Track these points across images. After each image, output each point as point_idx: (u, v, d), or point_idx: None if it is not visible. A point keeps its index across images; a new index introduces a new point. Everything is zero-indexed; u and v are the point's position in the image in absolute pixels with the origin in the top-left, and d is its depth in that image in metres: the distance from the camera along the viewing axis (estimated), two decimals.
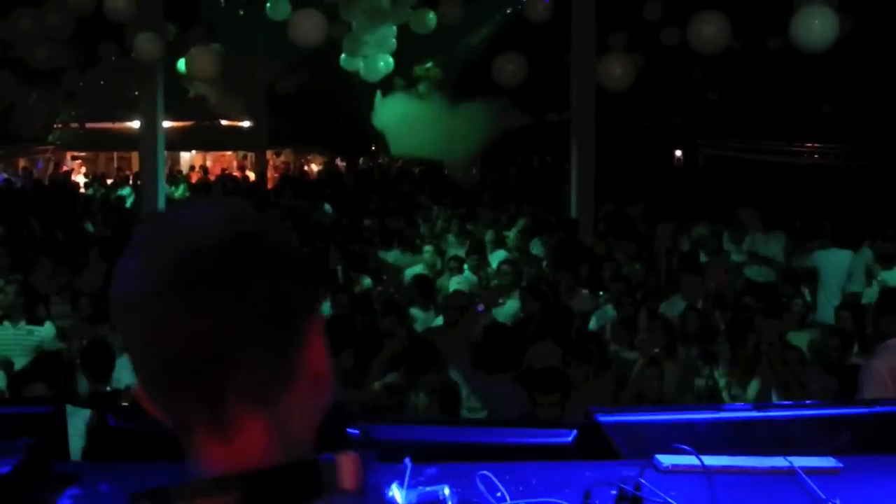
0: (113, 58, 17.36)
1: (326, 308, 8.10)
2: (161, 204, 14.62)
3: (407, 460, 2.60)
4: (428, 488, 2.44)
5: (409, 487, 2.45)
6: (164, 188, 15.60)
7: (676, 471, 2.58)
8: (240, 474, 1.00)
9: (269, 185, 23.16)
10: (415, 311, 8.61)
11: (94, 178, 23.24)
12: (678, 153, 26.47)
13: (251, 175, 25.74)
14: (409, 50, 14.94)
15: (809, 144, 19.67)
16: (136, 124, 17.61)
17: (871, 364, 5.45)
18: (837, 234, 10.37)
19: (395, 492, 2.41)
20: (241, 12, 17.40)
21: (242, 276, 0.99)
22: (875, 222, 11.57)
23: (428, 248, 11.27)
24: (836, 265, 9.69)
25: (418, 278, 9.46)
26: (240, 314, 0.99)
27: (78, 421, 3.03)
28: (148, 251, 1.01)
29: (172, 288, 0.98)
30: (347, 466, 1.01)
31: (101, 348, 6.18)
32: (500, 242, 12.08)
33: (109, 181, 22.76)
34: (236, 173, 26.45)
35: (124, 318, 1.02)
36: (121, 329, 1.04)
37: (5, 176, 22.56)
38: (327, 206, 15.94)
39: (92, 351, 6.18)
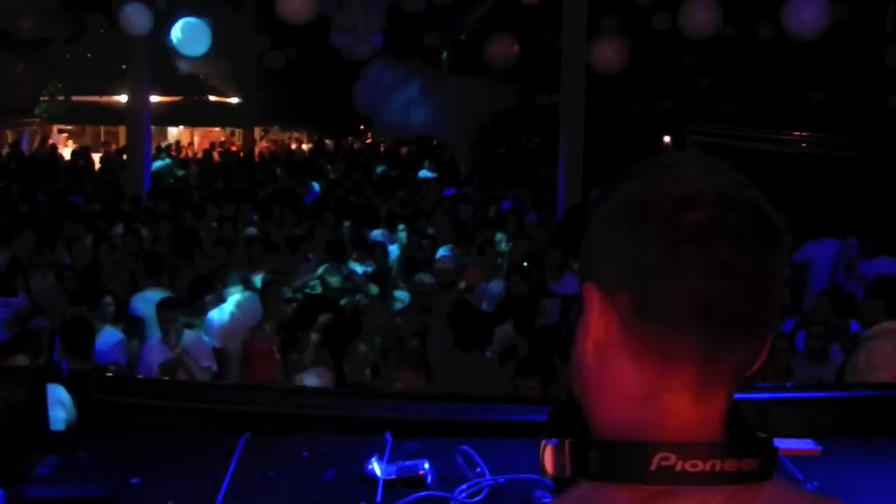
0: (101, 30, 17.20)
1: (317, 286, 8.10)
2: (148, 179, 14.54)
3: (387, 435, 2.60)
4: (408, 462, 2.44)
5: (388, 462, 2.45)
6: (150, 163, 15.52)
7: None
8: (754, 441, 1.02)
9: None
10: (399, 293, 8.61)
11: (81, 151, 23.06)
12: (667, 139, 26.46)
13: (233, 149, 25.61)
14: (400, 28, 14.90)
15: (797, 133, 19.68)
16: (123, 98, 17.50)
17: (877, 346, 5.56)
18: (824, 224, 10.43)
19: (375, 465, 2.41)
20: None
21: (780, 256, 1.03)
22: (863, 212, 11.62)
23: (401, 225, 11.29)
24: (824, 255, 9.76)
25: (403, 258, 9.45)
26: (778, 286, 1.04)
27: (58, 395, 3.02)
28: (713, 187, 1.02)
29: (741, 239, 1.00)
30: None
31: (82, 325, 6.13)
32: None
33: (96, 155, 22.63)
34: (233, 148, 26.25)
35: (652, 235, 1.00)
36: (622, 243, 1.02)
37: None
38: (316, 186, 15.88)
39: (72, 327, 6.09)
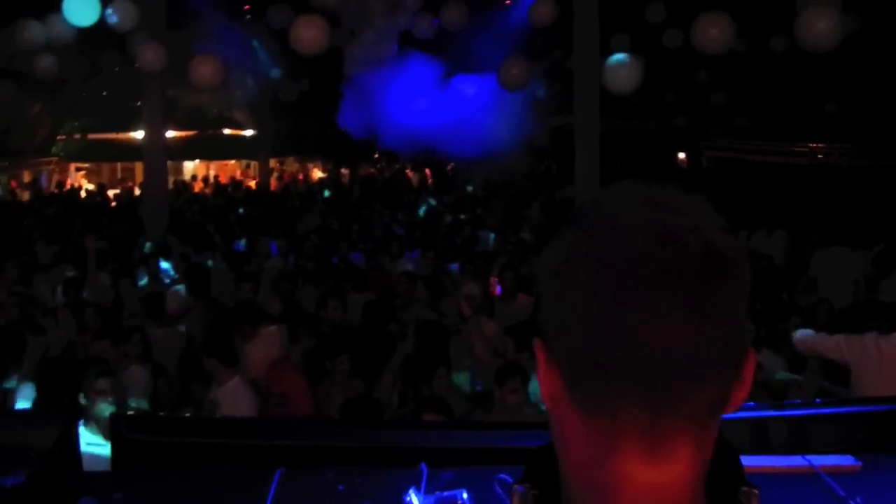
0: (116, 68, 17.37)
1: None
2: (166, 214, 14.60)
3: (422, 465, 2.58)
4: (445, 493, 2.41)
5: (426, 493, 2.43)
6: (168, 197, 15.59)
7: None
8: None
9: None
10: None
11: (98, 189, 23.25)
12: (681, 155, 26.44)
13: (252, 184, 25.76)
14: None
15: (813, 144, 19.62)
16: (139, 134, 17.63)
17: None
18: (840, 235, 10.43)
19: (413, 497, 2.39)
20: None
21: (730, 288, 0.93)
22: (881, 223, 11.56)
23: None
24: (836, 266, 9.75)
25: (428, 280, 9.45)
26: (718, 325, 0.92)
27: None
28: (642, 225, 0.94)
29: (669, 282, 0.91)
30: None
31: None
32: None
33: (112, 192, 22.80)
34: (250, 183, 26.40)
35: (576, 291, 0.94)
36: (554, 300, 0.97)
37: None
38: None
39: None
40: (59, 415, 3.13)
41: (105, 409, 4.92)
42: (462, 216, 16.49)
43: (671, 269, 0.91)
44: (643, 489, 0.94)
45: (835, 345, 6.33)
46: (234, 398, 5.97)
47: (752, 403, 4.92)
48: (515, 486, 1.01)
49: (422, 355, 6.74)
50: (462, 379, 7.10)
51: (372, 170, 30.14)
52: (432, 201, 18.94)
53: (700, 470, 0.96)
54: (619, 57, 11.50)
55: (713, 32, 10.18)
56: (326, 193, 22.51)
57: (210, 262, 11.05)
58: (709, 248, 0.93)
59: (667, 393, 0.92)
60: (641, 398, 0.92)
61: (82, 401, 5.20)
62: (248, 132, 26.41)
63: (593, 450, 0.96)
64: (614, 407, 0.93)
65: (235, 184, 25.24)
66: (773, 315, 7.94)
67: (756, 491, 0.99)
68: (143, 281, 10.35)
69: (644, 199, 0.98)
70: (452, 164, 24.15)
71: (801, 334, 6.67)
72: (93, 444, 4.61)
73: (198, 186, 25.27)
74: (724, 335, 0.93)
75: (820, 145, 19.44)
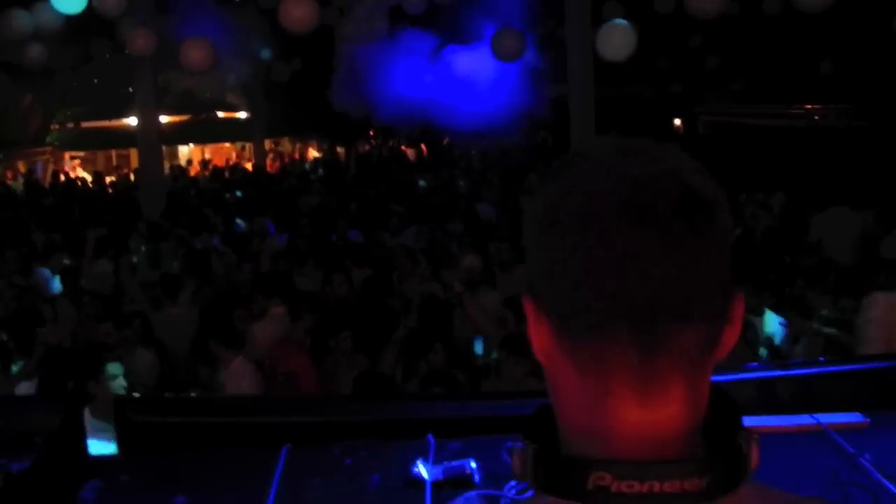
0: (107, 55, 17.28)
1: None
2: (163, 200, 14.55)
3: (429, 436, 2.57)
4: (454, 463, 2.41)
5: (433, 463, 2.42)
6: (165, 183, 15.55)
7: None
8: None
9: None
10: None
11: (95, 177, 23.18)
12: (677, 121, 26.36)
13: (248, 166, 25.69)
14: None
15: (809, 106, 19.57)
16: (132, 121, 17.55)
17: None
18: (839, 196, 10.42)
19: (421, 468, 2.38)
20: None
21: (710, 229, 0.94)
22: (879, 182, 11.54)
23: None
24: (837, 226, 9.73)
25: (427, 253, 9.45)
26: (705, 266, 0.93)
27: None
28: (620, 171, 0.95)
29: (649, 221, 0.92)
30: (755, 447, 0.98)
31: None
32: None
33: (109, 179, 22.72)
34: (246, 165, 26.32)
35: (559, 240, 0.95)
36: (539, 252, 0.98)
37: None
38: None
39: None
40: (64, 399, 3.12)
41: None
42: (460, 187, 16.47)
43: (651, 209, 0.92)
44: (638, 430, 0.95)
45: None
46: (237, 379, 6.00)
47: (756, 364, 4.93)
48: (514, 445, 1.02)
49: (422, 330, 6.74)
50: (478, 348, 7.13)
51: (367, 147, 30.05)
52: (422, 182, 18.87)
53: (694, 411, 0.97)
54: (612, 23, 11.42)
55: None
56: (320, 172, 22.50)
57: (215, 242, 11.04)
58: (687, 189, 0.94)
59: (655, 333, 0.92)
60: (630, 340, 0.93)
61: (91, 389, 5.20)
62: (242, 114, 26.26)
63: (587, 396, 0.97)
64: (604, 352, 0.94)
65: (234, 167, 25.16)
66: (780, 278, 7.92)
67: (756, 435, 0.99)
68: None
69: (621, 148, 0.99)
70: (447, 138, 24.05)
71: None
72: (100, 430, 4.60)
73: (194, 170, 25.17)
74: (708, 272, 0.94)
75: (816, 106, 19.40)
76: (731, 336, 0.98)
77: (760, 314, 7.08)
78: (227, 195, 17.31)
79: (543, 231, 0.97)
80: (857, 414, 2.74)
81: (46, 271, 9.83)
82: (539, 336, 1.00)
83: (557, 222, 0.96)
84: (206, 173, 24.28)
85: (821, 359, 5.70)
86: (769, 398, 2.92)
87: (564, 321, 0.96)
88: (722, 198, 0.97)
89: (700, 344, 0.95)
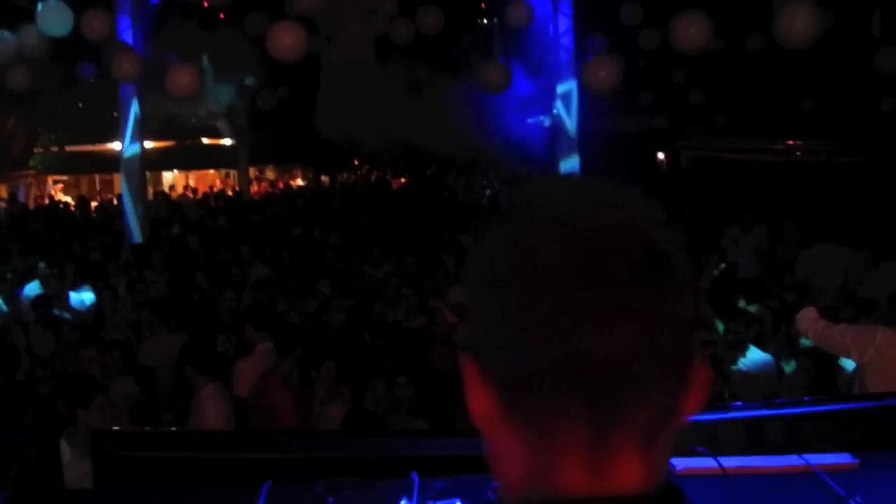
0: (92, 80, 17.23)
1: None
2: (142, 227, 14.46)
3: (414, 475, 2.52)
4: (439, 502, 2.36)
5: (418, 502, 2.37)
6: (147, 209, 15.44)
7: (690, 474, 2.51)
8: (614, 498, 0.87)
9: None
10: None
11: (78, 201, 23.07)
12: (661, 155, 26.51)
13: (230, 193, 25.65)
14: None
15: (791, 142, 19.72)
16: (116, 146, 17.48)
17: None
18: (822, 232, 10.48)
19: None
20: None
21: (671, 289, 0.86)
22: (863, 219, 11.62)
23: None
24: (824, 264, 9.76)
25: (413, 283, 9.45)
26: (666, 332, 0.86)
27: None
28: (573, 221, 0.86)
29: (606, 281, 0.84)
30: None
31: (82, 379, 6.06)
32: None
33: (94, 203, 22.62)
34: (229, 192, 26.28)
35: (504, 296, 0.86)
36: (482, 309, 0.89)
37: None
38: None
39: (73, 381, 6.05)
40: (39, 432, 3.05)
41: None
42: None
43: (606, 267, 0.84)
44: (583, 486, 0.87)
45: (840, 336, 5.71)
46: (203, 406, 5.83)
47: (740, 403, 4.91)
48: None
49: (395, 362, 6.67)
50: None
51: (353, 176, 30.09)
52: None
53: (651, 479, 0.89)
54: (595, 58, 11.51)
55: (691, 32, 10.18)
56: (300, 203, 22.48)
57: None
58: (646, 246, 0.86)
59: (609, 405, 0.85)
60: (582, 412, 0.85)
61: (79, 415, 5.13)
62: (227, 141, 26.27)
63: (532, 468, 0.89)
64: (554, 423, 0.86)
65: (218, 194, 25.11)
66: (776, 317, 7.91)
67: None
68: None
69: (575, 192, 0.91)
70: (433, 168, 24.13)
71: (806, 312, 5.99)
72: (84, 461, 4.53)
73: (175, 195, 25.11)
74: (667, 337, 0.86)
75: (798, 142, 19.54)
76: (692, 404, 0.91)
77: (744, 350, 7.06)
78: (209, 223, 17.24)
79: (487, 286, 0.89)
80: (847, 455, 2.71)
81: (26, 297, 9.72)
82: (479, 402, 0.91)
83: (503, 278, 0.87)
84: (189, 194, 24.22)
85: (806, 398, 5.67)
86: (757, 438, 2.89)
87: (509, 388, 0.87)
88: (682, 251, 0.89)
89: (658, 416, 0.88)
